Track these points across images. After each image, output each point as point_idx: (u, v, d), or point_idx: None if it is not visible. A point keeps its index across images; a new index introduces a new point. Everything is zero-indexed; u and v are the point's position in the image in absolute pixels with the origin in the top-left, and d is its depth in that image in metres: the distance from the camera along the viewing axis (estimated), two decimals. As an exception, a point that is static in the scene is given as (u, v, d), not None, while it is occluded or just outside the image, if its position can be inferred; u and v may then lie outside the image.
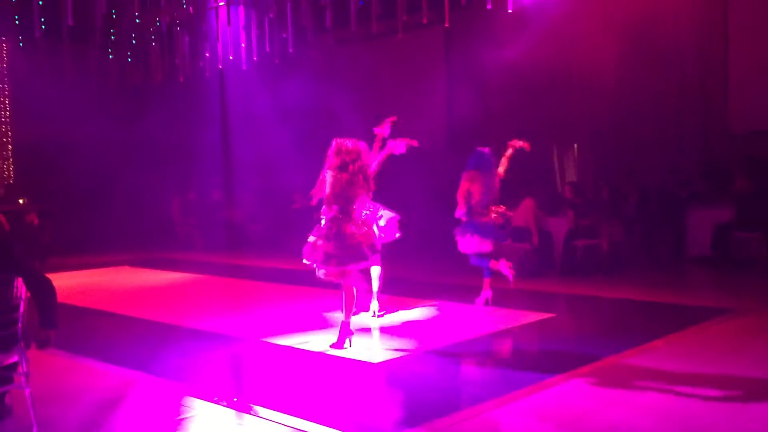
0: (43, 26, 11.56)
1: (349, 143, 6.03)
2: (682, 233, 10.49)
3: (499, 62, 12.31)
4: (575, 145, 12.82)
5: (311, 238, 5.94)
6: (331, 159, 5.99)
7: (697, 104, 11.30)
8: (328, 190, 5.93)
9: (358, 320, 7.10)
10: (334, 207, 5.90)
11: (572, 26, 11.74)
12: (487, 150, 7.54)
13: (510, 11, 9.77)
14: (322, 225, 5.98)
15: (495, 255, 7.39)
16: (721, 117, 11.14)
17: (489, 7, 9.61)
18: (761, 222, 9.57)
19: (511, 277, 7.23)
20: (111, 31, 13.66)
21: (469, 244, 7.34)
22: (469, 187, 7.25)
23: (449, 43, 13.82)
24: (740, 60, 10.92)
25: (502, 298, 7.72)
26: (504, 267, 7.26)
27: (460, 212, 7.31)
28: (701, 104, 11.28)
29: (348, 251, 5.75)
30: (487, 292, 7.49)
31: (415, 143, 6.76)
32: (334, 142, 6.09)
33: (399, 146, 6.68)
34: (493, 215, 7.22)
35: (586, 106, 12.18)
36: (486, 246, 7.30)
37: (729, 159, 10.71)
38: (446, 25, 10.61)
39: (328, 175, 5.96)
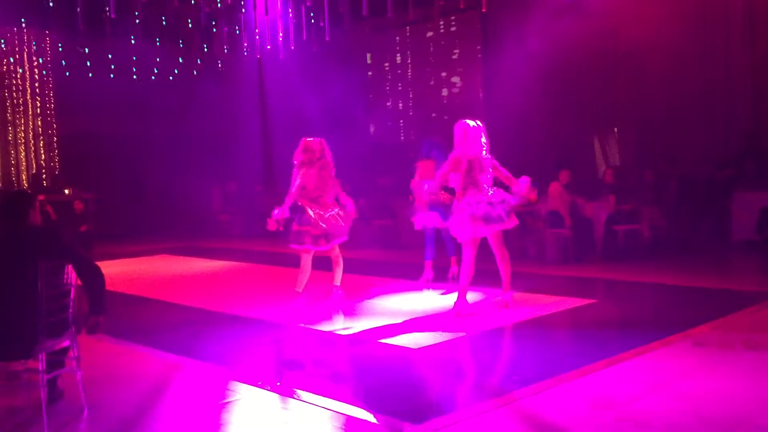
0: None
1: (314, 142, 7.01)
2: (726, 217, 10.29)
3: (538, 46, 12.17)
4: (616, 129, 12.63)
5: (295, 228, 6.95)
6: (300, 156, 7.01)
7: (744, 85, 11.02)
8: (300, 183, 6.96)
9: (399, 306, 7.15)
10: (310, 197, 6.94)
11: (615, 7, 11.51)
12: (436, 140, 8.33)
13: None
14: (305, 215, 6.93)
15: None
16: (764, 101, 10.86)
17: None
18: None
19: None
20: (151, 22, 13.80)
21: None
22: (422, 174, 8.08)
23: (486, 28, 13.69)
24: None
25: (543, 284, 7.66)
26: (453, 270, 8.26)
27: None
28: (749, 85, 11.00)
29: (330, 230, 6.88)
30: (428, 273, 8.25)
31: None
32: (301, 142, 7.06)
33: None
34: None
35: (630, 89, 11.97)
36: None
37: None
38: (483, 9, 10.53)
39: (300, 171, 6.98)
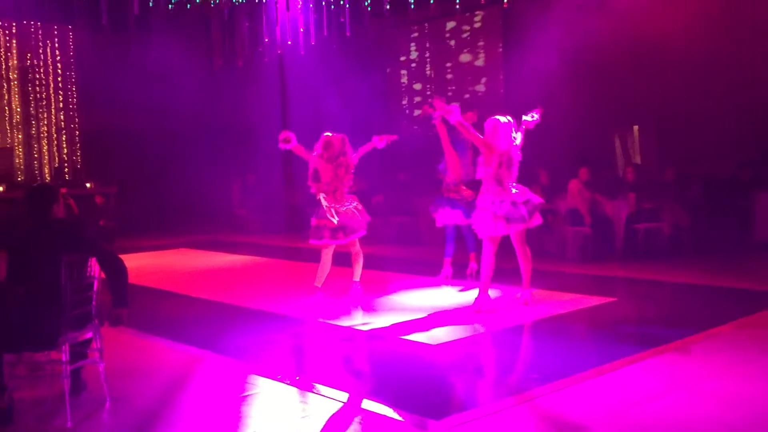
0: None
1: (335, 139, 6.98)
2: (749, 217, 10.17)
3: (559, 42, 12.09)
4: (636, 128, 12.53)
5: (314, 222, 7.00)
6: (320, 151, 6.98)
7: (763, 86, 10.87)
8: (319, 179, 7.00)
9: (418, 302, 7.16)
10: (327, 192, 6.95)
11: (638, 4, 11.40)
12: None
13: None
14: (321, 208, 6.97)
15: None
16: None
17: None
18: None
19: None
20: (173, 16, 13.89)
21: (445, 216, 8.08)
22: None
23: (507, 23, 13.63)
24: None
25: (563, 281, 7.64)
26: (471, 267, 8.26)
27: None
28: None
29: (348, 225, 6.90)
30: (447, 270, 8.25)
31: (395, 137, 7.46)
32: (322, 137, 7.03)
33: (381, 142, 7.40)
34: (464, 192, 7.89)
35: (651, 87, 11.85)
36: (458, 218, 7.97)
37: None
38: (504, 5, 10.49)
39: (318, 166, 6.99)
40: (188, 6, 12.64)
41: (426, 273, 8.78)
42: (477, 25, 14.11)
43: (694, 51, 11.26)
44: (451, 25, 14.36)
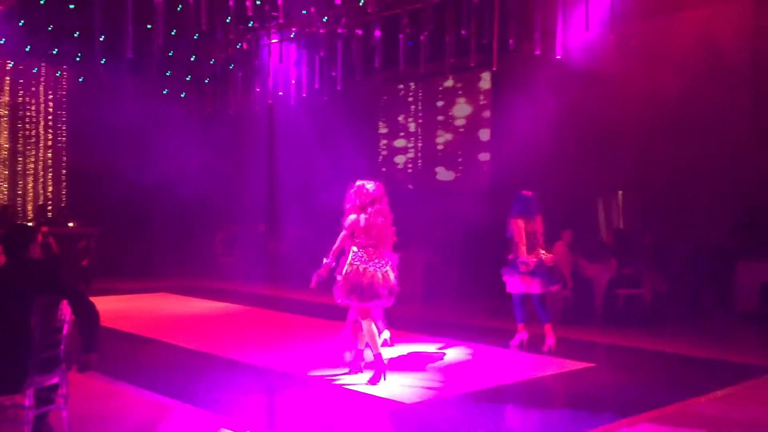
0: (104, 59, 11.99)
1: (370, 186, 6.26)
2: (729, 287, 10.23)
3: (547, 107, 12.30)
4: (620, 192, 12.67)
5: (339, 278, 6.17)
6: (353, 200, 6.23)
7: (749, 155, 11.06)
8: (354, 230, 6.12)
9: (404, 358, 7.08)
10: (359, 245, 6.13)
11: (623, 72, 11.66)
12: (530, 194, 7.65)
13: (558, 57, 9.80)
14: (349, 263, 6.14)
15: (542, 300, 7.61)
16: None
17: (537, 52, 9.66)
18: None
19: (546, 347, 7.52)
20: (167, 62, 14.05)
21: (519, 284, 7.59)
22: (521, 230, 7.49)
23: (496, 87, 13.87)
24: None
25: (541, 343, 7.60)
26: (549, 335, 7.53)
27: (522, 256, 7.46)
28: (754, 155, 11.04)
29: (367, 289, 5.99)
30: (522, 334, 7.67)
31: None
32: (356, 184, 6.31)
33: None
34: (543, 257, 7.54)
35: (636, 154, 12.04)
36: (535, 287, 7.53)
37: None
38: (494, 68, 10.70)
39: (353, 216, 6.16)
40: (180, 57, 12.78)
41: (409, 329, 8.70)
42: (466, 85, 14.34)
43: (680, 118, 11.49)
44: (441, 83, 14.59)
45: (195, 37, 11.89)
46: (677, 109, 11.44)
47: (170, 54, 13.03)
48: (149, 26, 10.81)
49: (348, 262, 6.12)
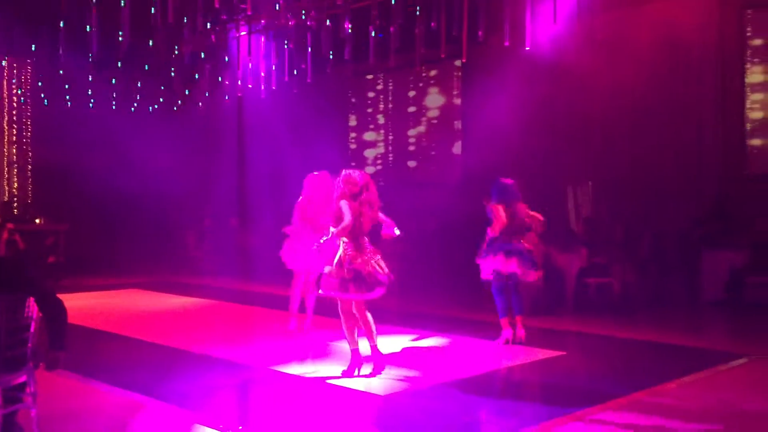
0: (69, 53, 11.77)
1: (356, 175, 6.17)
2: (696, 275, 10.40)
3: (517, 98, 12.37)
4: (590, 183, 12.79)
5: (327, 269, 6.05)
6: (342, 188, 6.10)
7: (714, 145, 11.24)
8: (349, 217, 5.93)
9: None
10: (348, 236, 6.00)
11: (589, 67, 11.76)
12: (510, 181, 7.64)
13: (527, 48, 9.85)
14: (342, 253, 6.01)
15: (517, 287, 7.50)
16: (738, 160, 11.09)
17: (506, 44, 9.70)
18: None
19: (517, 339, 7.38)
20: (133, 56, 13.85)
21: (493, 263, 7.42)
22: (499, 213, 7.38)
23: (466, 79, 13.91)
24: (756, 107, 10.94)
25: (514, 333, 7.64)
26: (520, 327, 7.40)
27: (493, 232, 7.41)
28: (719, 146, 11.22)
29: (368, 278, 5.92)
30: (507, 332, 7.41)
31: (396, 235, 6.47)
32: (343, 173, 6.20)
33: (389, 231, 6.42)
34: (524, 241, 7.49)
35: (604, 145, 12.16)
36: (512, 266, 7.37)
37: (746, 201, 10.65)
38: (463, 60, 10.72)
39: (343, 204, 6.00)
40: (148, 51, 12.60)
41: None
42: (436, 77, 14.36)
43: (646, 109, 11.63)
44: (411, 75, 14.59)
45: (162, 30, 11.72)
46: (643, 100, 11.59)
47: (137, 47, 12.81)
48: (115, 18, 10.64)
49: (340, 252, 5.99)
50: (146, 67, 14.53)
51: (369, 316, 6.08)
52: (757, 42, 10.94)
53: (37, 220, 14.63)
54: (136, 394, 5.53)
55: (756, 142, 10.97)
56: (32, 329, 4.28)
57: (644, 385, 5.81)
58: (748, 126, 10.98)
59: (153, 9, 10.22)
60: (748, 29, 10.95)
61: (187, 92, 14.83)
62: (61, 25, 10.43)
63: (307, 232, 7.63)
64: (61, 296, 4.28)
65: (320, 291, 6.11)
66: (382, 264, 6.05)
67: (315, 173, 7.94)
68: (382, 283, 5.94)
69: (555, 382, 6.05)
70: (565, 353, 7.18)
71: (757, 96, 10.93)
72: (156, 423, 4.93)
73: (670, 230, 10.98)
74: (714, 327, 9.31)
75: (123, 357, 7.13)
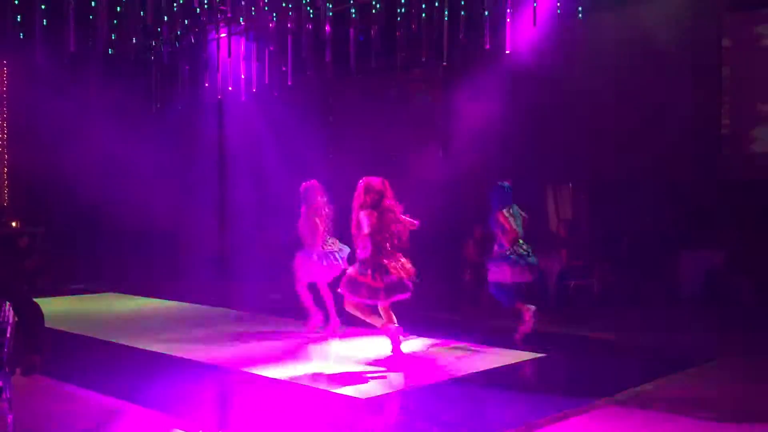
0: (45, 53, 11.62)
1: (375, 182, 6.40)
2: (674, 275, 10.50)
3: (498, 101, 12.40)
4: (570, 185, 12.87)
5: (350, 270, 6.41)
6: (362, 198, 6.31)
7: (689, 147, 11.37)
8: (367, 229, 6.18)
9: (355, 353, 7.06)
10: (370, 244, 6.26)
11: (568, 70, 11.84)
12: (507, 183, 7.64)
13: (508, 51, 9.89)
14: (363, 261, 6.30)
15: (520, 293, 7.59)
16: (711, 166, 11.25)
17: (487, 47, 9.74)
18: (752, 268, 9.60)
19: (525, 329, 7.45)
20: (112, 57, 13.71)
21: (510, 274, 7.46)
22: (508, 221, 7.40)
23: (447, 81, 13.93)
24: (733, 111, 11.09)
25: (493, 334, 7.67)
26: (528, 316, 7.46)
27: (505, 244, 7.42)
28: (694, 146, 11.35)
29: (391, 285, 6.25)
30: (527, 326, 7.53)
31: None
32: (361, 182, 6.45)
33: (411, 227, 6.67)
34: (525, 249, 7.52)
35: (584, 147, 12.24)
36: (525, 275, 7.49)
37: (722, 203, 10.78)
38: (444, 63, 10.74)
39: (363, 215, 6.22)
40: (126, 50, 12.46)
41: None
42: (417, 79, 14.36)
43: (626, 114, 11.74)
44: (392, 79, 14.58)
45: (141, 30, 11.62)
46: (622, 103, 11.68)
47: (115, 47, 12.68)
48: (92, 17, 10.53)
49: (367, 259, 6.22)
50: (124, 69, 14.38)
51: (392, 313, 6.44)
52: (732, 46, 11.09)
53: (13, 223, 14.44)
54: (115, 399, 5.47)
55: (732, 145, 11.11)
56: (8, 334, 4.21)
57: (625, 384, 5.83)
58: (724, 130, 11.13)
59: (132, 8, 10.13)
60: (725, 34, 11.10)
61: (166, 94, 14.70)
62: (38, 25, 10.27)
63: (319, 243, 7.58)
64: (37, 300, 4.22)
65: (339, 290, 6.43)
66: (408, 266, 6.32)
67: (310, 182, 7.88)
68: (409, 289, 6.32)
69: (536, 384, 6.06)
70: (546, 354, 7.21)
71: (732, 100, 11.07)
72: (135, 427, 4.87)
73: (648, 231, 11.07)
74: (692, 325, 9.38)
75: (101, 361, 7.04)
